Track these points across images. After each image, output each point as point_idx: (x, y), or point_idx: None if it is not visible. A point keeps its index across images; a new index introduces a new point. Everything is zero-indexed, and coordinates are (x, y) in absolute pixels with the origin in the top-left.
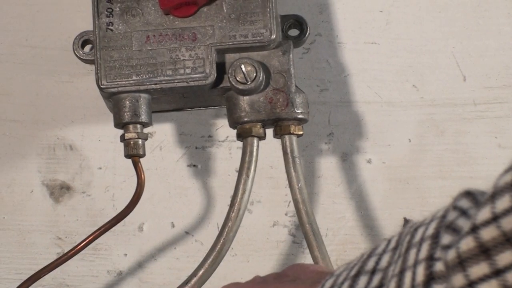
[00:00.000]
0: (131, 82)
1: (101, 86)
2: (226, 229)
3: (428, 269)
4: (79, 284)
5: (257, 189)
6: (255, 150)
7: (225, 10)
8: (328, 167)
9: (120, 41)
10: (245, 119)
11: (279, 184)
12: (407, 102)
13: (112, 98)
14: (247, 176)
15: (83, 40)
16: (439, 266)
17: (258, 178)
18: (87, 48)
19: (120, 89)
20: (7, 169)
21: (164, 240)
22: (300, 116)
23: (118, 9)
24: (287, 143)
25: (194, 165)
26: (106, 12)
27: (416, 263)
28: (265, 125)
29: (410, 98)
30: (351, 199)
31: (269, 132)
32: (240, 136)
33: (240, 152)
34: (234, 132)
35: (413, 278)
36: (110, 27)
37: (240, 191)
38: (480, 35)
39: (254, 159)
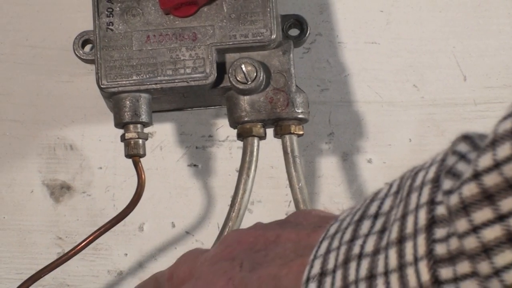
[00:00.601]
0: (132, 82)
1: (102, 86)
2: (227, 229)
3: (430, 213)
4: (79, 284)
5: (257, 189)
6: (255, 150)
7: (225, 10)
8: (329, 167)
9: (121, 41)
10: (246, 119)
11: (280, 184)
12: (408, 102)
13: (113, 98)
14: (248, 176)
15: (83, 40)
16: (440, 210)
17: (259, 178)
18: (87, 48)
19: (120, 89)
20: (7, 169)
21: (165, 240)
22: (300, 116)
23: (118, 9)
24: (288, 143)
25: (195, 165)
26: (106, 12)
27: (417, 207)
28: (265, 125)
29: (411, 98)
30: (351, 199)
31: (270, 132)
32: (241, 136)
33: (240, 152)
34: (234, 132)
35: (415, 222)
36: (110, 27)
37: (241, 191)
38: (480, 35)
39: (254, 159)
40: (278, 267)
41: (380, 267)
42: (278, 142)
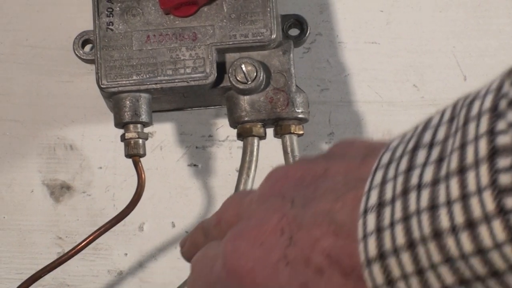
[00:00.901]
0: (132, 81)
1: (102, 86)
2: None
3: (491, 143)
4: (79, 283)
5: None
6: (255, 149)
7: (225, 10)
8: None
9: (121, 41)
10: (246, 119)
11: None
12: (408, 102)
13: (113, 98)
14: (248, 175)
15: (84, 40)
16: (502, 140)
17: (259, 178)
18: (88, 47)
19: (120, 88)
20: (8, 169)
21: (165, 239)
22: (300, 116)
23: (118, 8)
24: (288, 143)
25: (195, 165)
26: (106, 12)
27: (477, 137)
28: (265, 124)
29: (411, 98)
30: None
31: (270, 131)
32: (241, 136)
33: (240, 151)
34: (234, 131)
35: (476, 152)
36: (110, 26)
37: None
38: (480, 35)
39: (254, 158)
40: (331, 202)
41: (442, 197)
42: (278, 142)
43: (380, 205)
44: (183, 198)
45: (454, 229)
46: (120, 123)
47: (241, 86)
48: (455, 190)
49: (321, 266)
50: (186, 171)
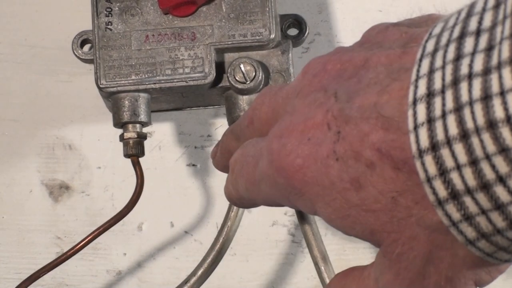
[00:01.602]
0: (130, 81)
1: (100, 86)
2: (226, 229)
3: None
4: (78, 283)
5: None
6: None
7: (224, 10)
8: None
9: (119, 41)
10: None
11: None
12: None
13: (111, 98)
14: None
15: (82, 40)
16: None
17: None
18: (86, 47)
19: (119, 88)
20: (6, 168)
21: (164, 239)
22: None
23: (117, 8)
24: None
25: (193, 165)
26: (105, 12)
27: None
28: None
29: None
30: None
31: None
32: None
33: None
34: None
35: None
36: (109, 26)
37: None
38: None
39: None
40: (376, 94)
41: (495, 88)
42: None
43: (430, 95)
44: (182, 198)
45: (509, 120)
46: (119, 123)
47: (240, 86)
48: (508, 80)
49: (372, 160)
50: (185, 171)
